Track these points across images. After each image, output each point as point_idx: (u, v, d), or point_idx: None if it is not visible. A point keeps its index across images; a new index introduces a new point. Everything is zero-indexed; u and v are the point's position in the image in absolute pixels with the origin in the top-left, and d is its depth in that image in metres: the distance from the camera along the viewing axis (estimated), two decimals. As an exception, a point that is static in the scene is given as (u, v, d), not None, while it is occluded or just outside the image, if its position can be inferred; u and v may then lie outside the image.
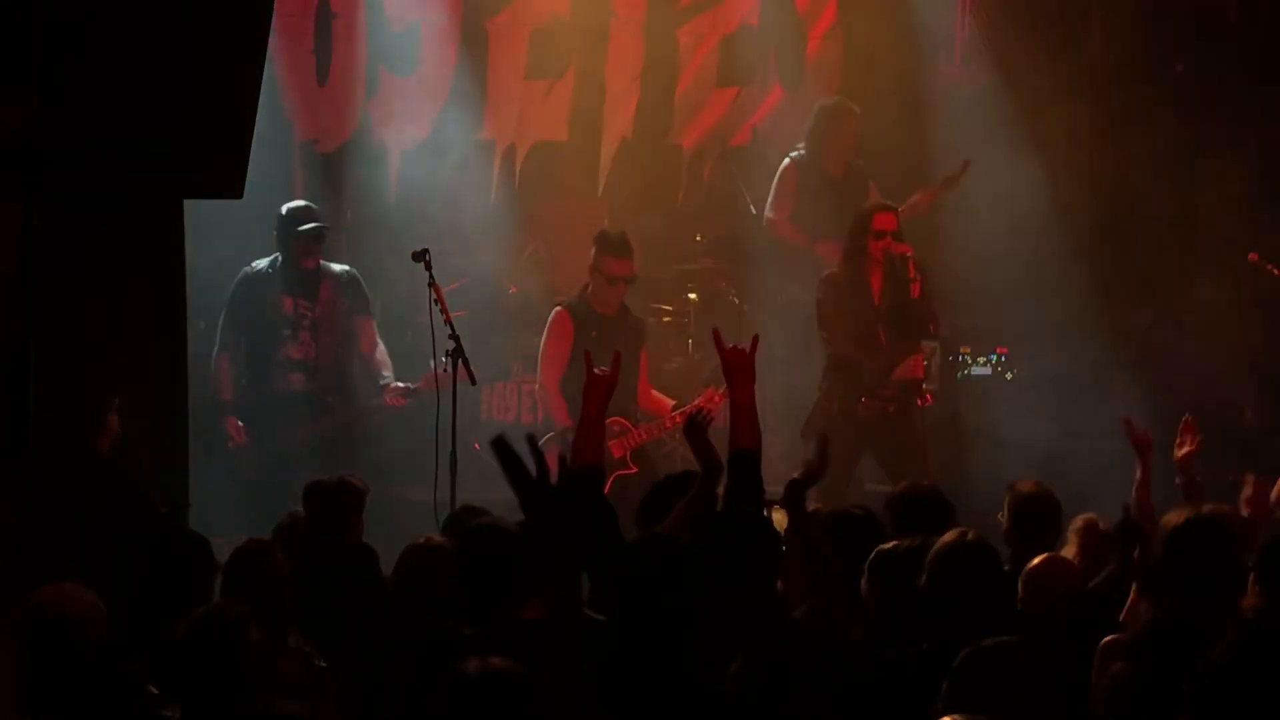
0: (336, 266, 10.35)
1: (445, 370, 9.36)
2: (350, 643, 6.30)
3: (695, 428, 6.36)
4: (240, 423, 10.03)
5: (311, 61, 12.21)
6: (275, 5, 8.47)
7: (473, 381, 9.57)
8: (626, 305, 10.48)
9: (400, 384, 10.19)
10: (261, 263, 10.20)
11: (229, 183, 8.19)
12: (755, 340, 6.40)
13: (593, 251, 10.41)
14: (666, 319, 12.39)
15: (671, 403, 10.48)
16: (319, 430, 10.11)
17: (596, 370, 6.25)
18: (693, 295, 12.52)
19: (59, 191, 7.62)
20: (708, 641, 4.95)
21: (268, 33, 8.22)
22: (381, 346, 10.33)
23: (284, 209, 10.25)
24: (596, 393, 6.20)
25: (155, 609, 5.89)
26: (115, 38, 7.61)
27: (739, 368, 6.31)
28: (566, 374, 10.18)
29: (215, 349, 10.20)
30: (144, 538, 6.37)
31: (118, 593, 5.86)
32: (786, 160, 11.65)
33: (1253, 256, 11.05)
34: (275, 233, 10.20)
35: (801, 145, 11.64)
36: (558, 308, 10.47)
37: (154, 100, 7.73)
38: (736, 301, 12.19)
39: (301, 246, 10.10)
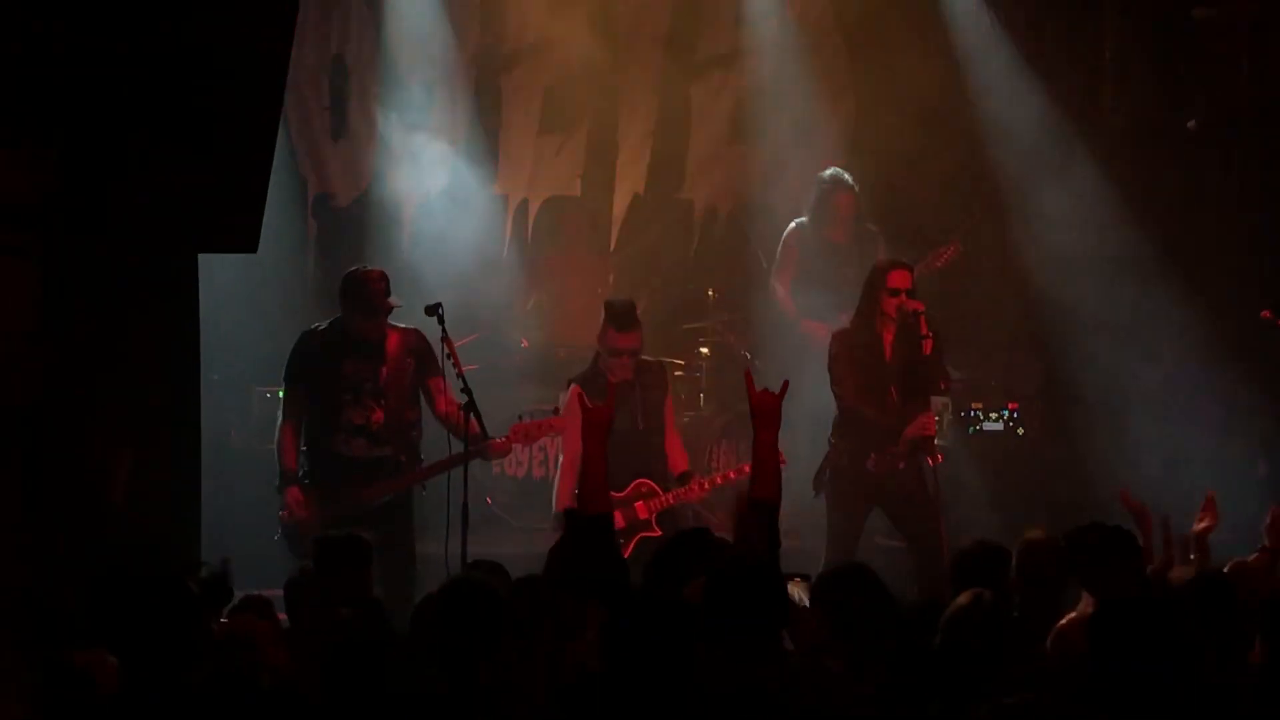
0: (401, 326, 9.82)
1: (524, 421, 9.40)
2: (361, 698, 6.28)
3: (746, 514, 6.24)
4: (301, 495, 9.51)
5: (326, 116, 12.27)
6: (290, 61, 8.52)
7: (485, 436, 9.55)
8: (644, 360, 10.31)
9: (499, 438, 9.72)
10: (321, 324, 9.75)
11: (244, 237, 8.19)
12: (785, 385, 6.36)
13: (601, 320, 10.27)
14: (678, 373, 12.40)
15: (685, 466, 10.29)
16: (385, 492, 9.62)
17: (591, 406, 6.18)
18: (704, 350, 12.54)
19: (75, 248, 7.66)
20: (710, 701, 4.93)
21: (283, 88, 8.24)
22: (462, 400, 9.51)
23: (349, 272, 9.75)
24: (595, 430, 6.14)
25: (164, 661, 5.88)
26: (132, 96, 7.65)
27: (765, 412, 6.27)
28: (583, 425, 10.07)
29: (280, 418, 9.72)
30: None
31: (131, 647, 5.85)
32: (790, 226, 11.67)
33: (1265, 314, 11.05)
34: (340, 295, 9.68)
35: (804, 214, 11.66)
36: (572, 384, 10.02)
37: (170, 156, 7.77)
38: (748, 356, 12.20)
39: (365, 312, 9.62)
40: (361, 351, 9.62)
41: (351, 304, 9.60)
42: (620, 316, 9.98)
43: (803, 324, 11.35)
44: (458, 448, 9.40)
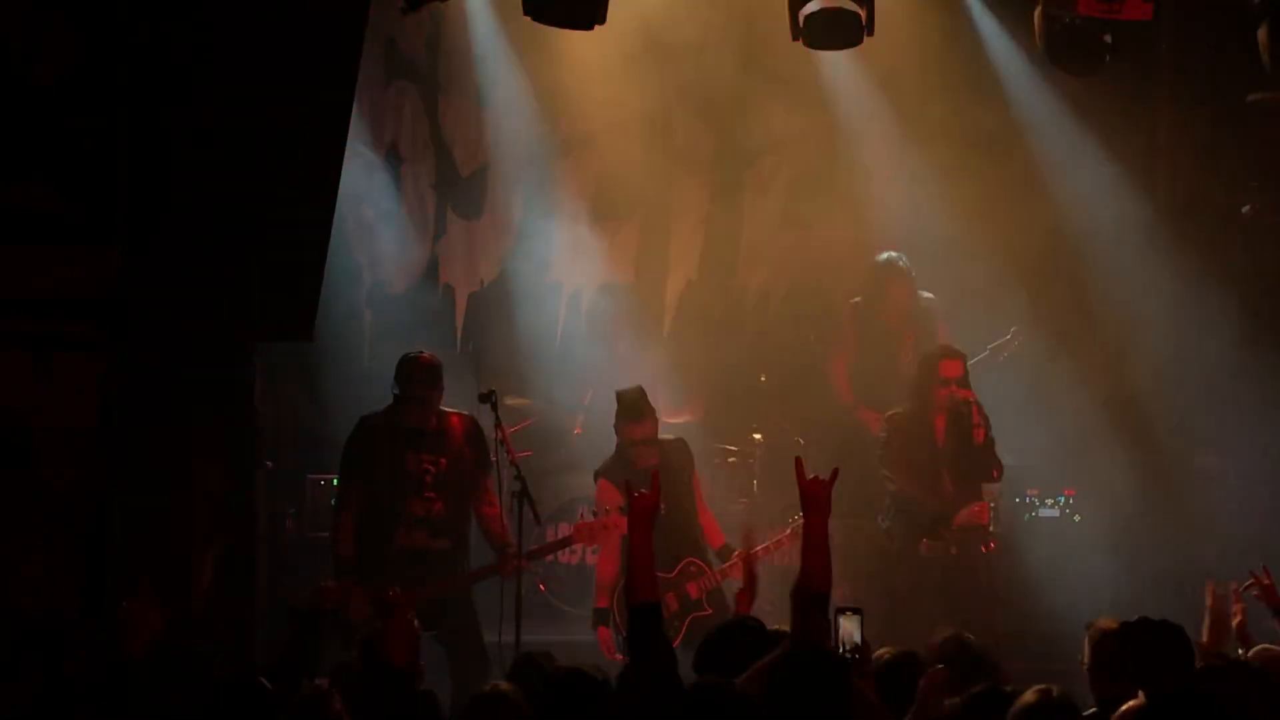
0: (458, 414, 9.80)
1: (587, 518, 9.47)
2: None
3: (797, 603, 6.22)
4: (357, 589, 9.25)
5: (380, 206, 12.36)
6: (345, 150, 8.60)
7: (537, 521, 9.54)
8: (663, 439, 10.25)
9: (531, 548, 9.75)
10: (378, 411, 9.70)
11: (300, 326, 8.27)
12: (835, 472, 6.34)
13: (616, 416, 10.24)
14: (731, 459, 12.37)
15: (724, 539, 10.32)
16: (437, 593, 9.51)
17: (636, 494, 6.17)
18: (757, 436, 12.50)
19: (137, 341, 7.74)
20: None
21: (338, 178, 8.33)
22: (499, 508, 9.59)
23: (402, 356, 9.74)
24: (641, 519, 6.12)
25: None
26: (191, 191, 7.75)
27: (816, 498, 6.25)
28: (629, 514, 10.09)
29: (336, 506, 9.71)
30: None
31: None
32: (846, 306, 11.69)
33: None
34: (394, 381, 9.66)
35: (860, 296, 11.66)
36: (599, 479, 10.20)
37: (227, 249, 7.85)
38: (801, 442, 12.17)
39: (409, 399, 9.58)
40: (424, 441, 9.59)
41: (399, 388, 9.59)
42: (630, 408, 10.06)
43: (860, 411, 11.31)
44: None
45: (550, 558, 11.65)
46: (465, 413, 9.82)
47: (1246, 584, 7.57)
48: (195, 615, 8.04)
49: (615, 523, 9.68)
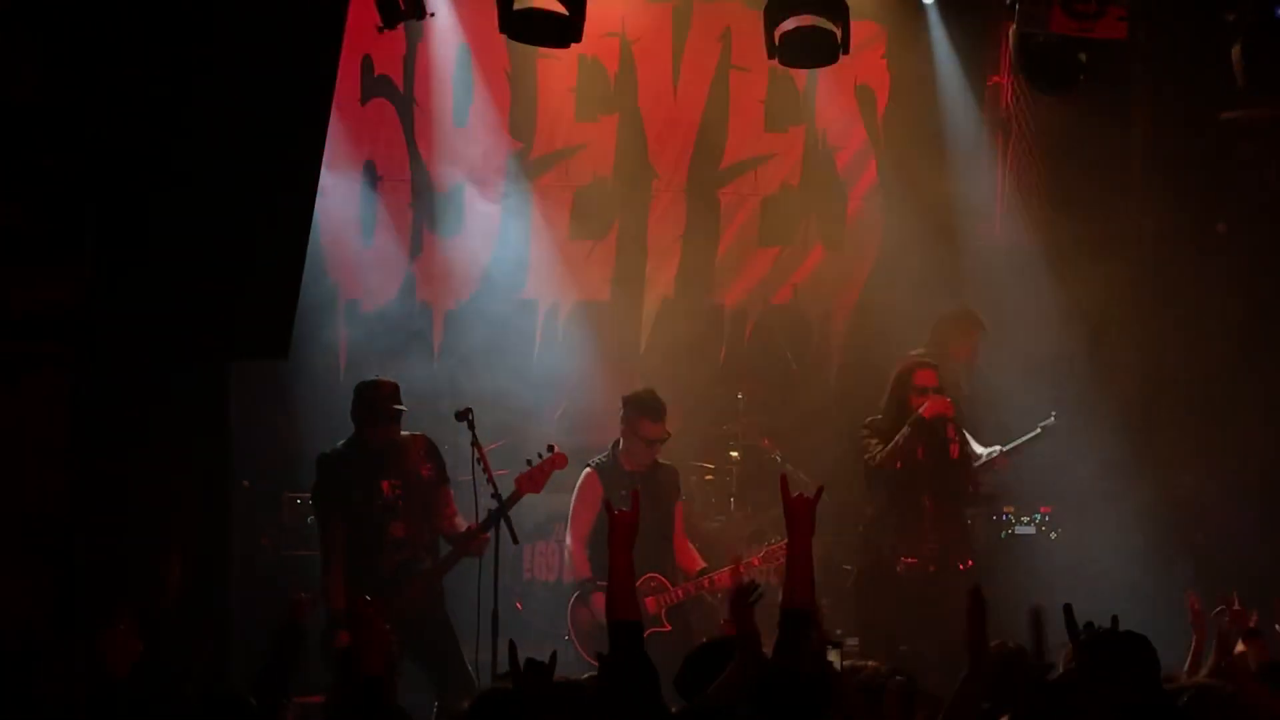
0: (411, 435, 9.93)
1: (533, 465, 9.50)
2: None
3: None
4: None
5: (357, 222, 12.34)
6: (321, 166, 8.58)
7: (515, 540, 9.54)
8: (658, 460, 10.49)
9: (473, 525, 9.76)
10: (338, 446, 9.77)
11: (275, 344, 8.23)
12: (820, 490, 6.34)
13: (625, 412, 10.43)
14: (709, 477, 12.38)
15: (701, 564, 10.44)
16: (421, 593, 9.67)
17: (616, 512, 6.18)
18: (734, 454, 12.51)
19: (108, 360, 7.70)
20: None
21: (314, 194, 8.31)
22: (492, 506, 9.73)
23: (361, 383, 9.85)
24: (621, 537, 6.11)
25: None
26: (164, 208, 7.71)
27: (800, 517, 6.23)
28: (593, 534, 10.22)
29: (324, 554, 9.67)
30: None
31: None
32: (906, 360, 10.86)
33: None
34: (357, 410, 9.76)
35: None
36: (587, 469, 10.52)
37: (201, 265, 7.82)
38: (779, 460, 12.17)
39: (376, 419, 9.67)
40: (392, 466, 9.68)
41: (363, 414, 9.67)
42: (654, 407, 10.35)
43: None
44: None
45: (528, 575, 11.67)
46: (418, 432, 9.94)
47: (1216, 610, 7.58)
48: (170, 628, 7.99)
49: (556, 460, 9.84)
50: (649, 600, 10.18)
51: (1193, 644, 7.27)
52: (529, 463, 9.84)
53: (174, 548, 7.83)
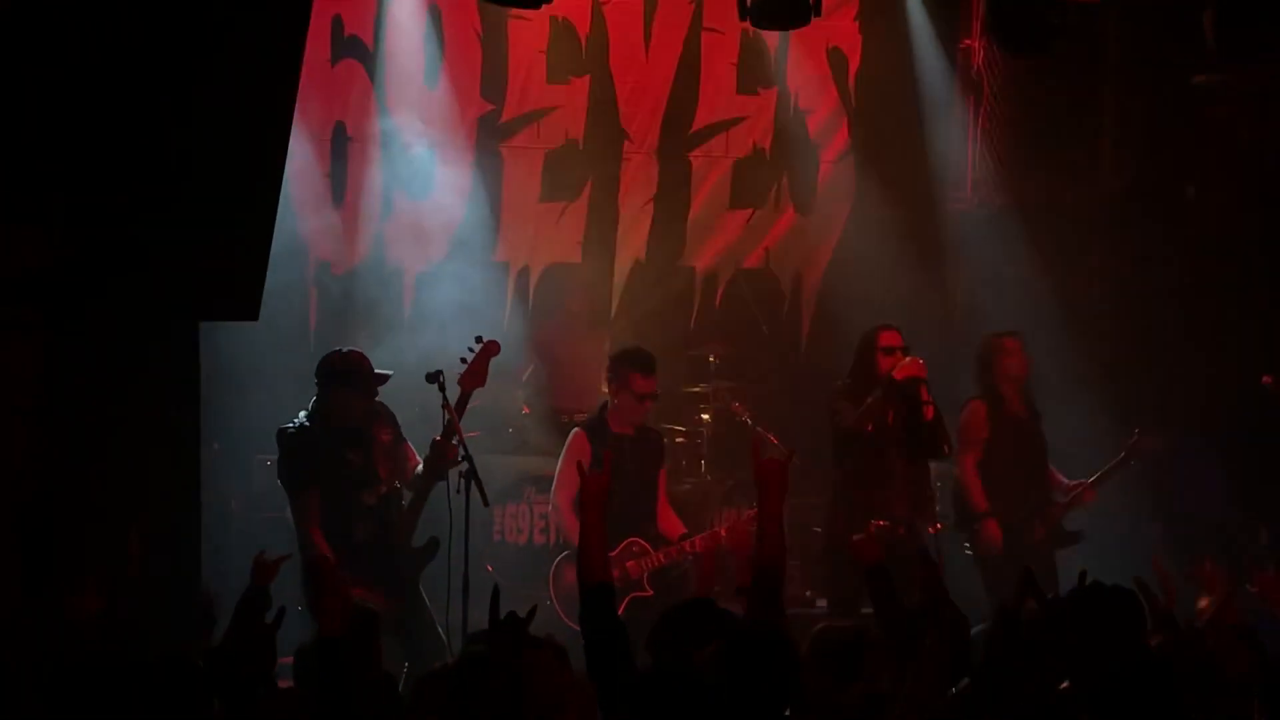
0: (366, 400, 9.77)
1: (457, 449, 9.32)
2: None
3: (752, 583, 6.19)
4: (361, 590, 9.05)
5: (327, 184, 12.29)
6: (291, 128, 8.53)
7: (485, 503, 9.53)
8: (646, 424, 10.48)
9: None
10: (302, 419, 9.60)
11: (245, 305, 8.19)
12: (791, 454, 6.36)
13: (614, 370, 10.38)
14: (679, 440, 12.39)
15: (683, 529, 10.44)
16: (407, 531, 9.62)
17: (589, 474, 6.17)
18: (705, 416, 12.53)
19: (77, 323, 7.66)
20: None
21: (284, 156, 8.26)
22: (463, 468, 9.47)
23: (336, 354, 9.73)
24: (594, 499, 6.13)
25: None
26: (133, 168, 7.67)
27: (771, 480, 6.24)
28: (580, 495, 10.16)
29: (302, 523, 9.45)
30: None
31: None
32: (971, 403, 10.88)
33: (1266, 379, 11.05)
34: (328, 377, 9.63)
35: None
36: (576, 429, 10.46)
37: (171, 225, 7.78)
38: (749, 423, 12.18)
39: (363, 391, 9.59)
40: (356, 435, 9.62)
41: (343, 382, 9.58)
42: (645, 361, 10.29)
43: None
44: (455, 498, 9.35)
45: (497, 536, 11.67)
46: (371, 398, 9.76)
47: (1187, 571, 7.62)
48: (136, 596, 7.95)
49: (489, 348, 9.68)
50: (630, 565, 10.17)
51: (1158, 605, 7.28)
52: (462, 360, 9.70)
53: (134, 522, 7.75)
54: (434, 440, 9.45)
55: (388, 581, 9.43)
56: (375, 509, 9.59)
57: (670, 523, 10.45)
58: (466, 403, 9.57)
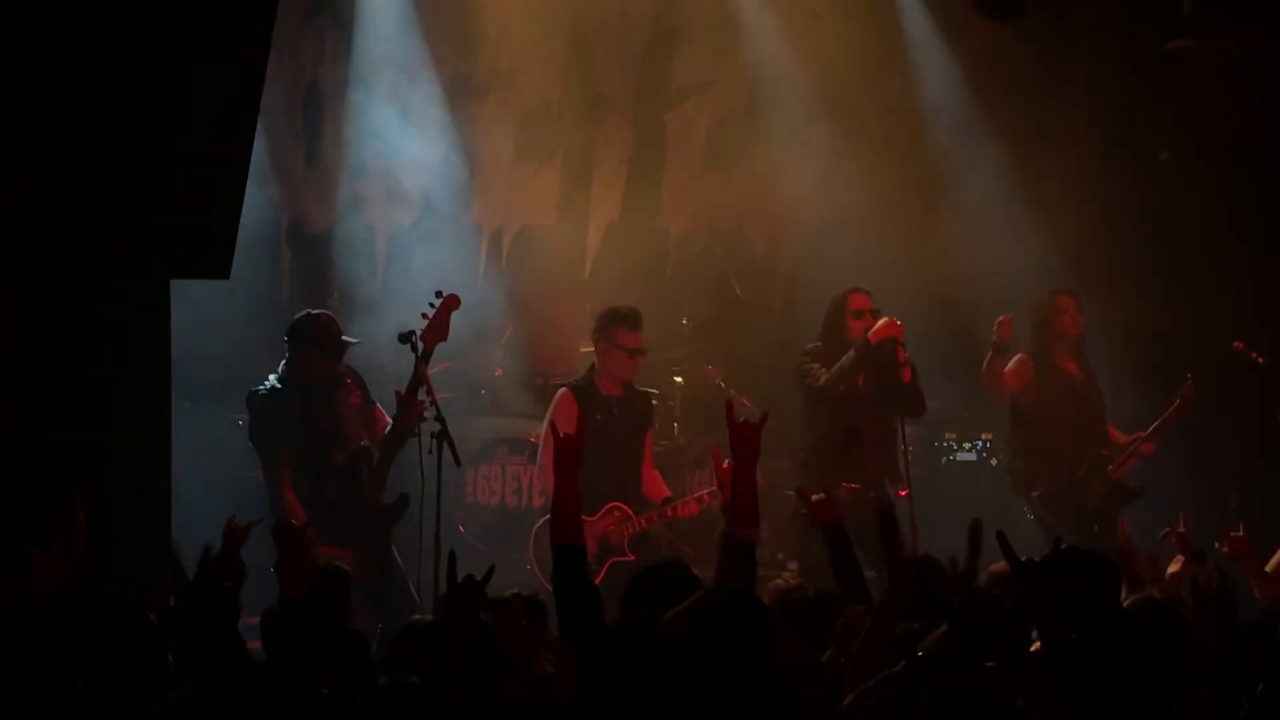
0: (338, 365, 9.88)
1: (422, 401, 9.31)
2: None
3: (724, 547, 6.20)
4: (332, 548, 9.17)
5: (299, 143, 12.24)
6: (264, 87, 8.50)
7: (458, 463, 9.51)
8: (633, 384, 10.40)
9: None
10: (274, 381, 9.63)
11: (216, 263, 8.15)
12: (764, 416, 6.33)
13: (601, 328, 10.28)
14: (653, 402, 12.37)
15: (667, 492, 10.39)
16: (376, 491, 9.64)
17: (561, 434, 6.16)
18: (678, 379, 12.53)
19: (45, 279, 7.61)
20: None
21: (256, 114, 8.22)
22: (435, 430, 9.43)
23: (307, 316, 9.76)
24: (566, 462, 6.11)
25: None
26: (104, 121, 7.62)
27: (745, 442, 6.23)
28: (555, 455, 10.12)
29: (274, 481, 9.53)
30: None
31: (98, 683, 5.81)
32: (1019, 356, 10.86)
33: (1238, 345, 11.09)
34: (297, 337, 9.67)
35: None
36: (563, 388, 10.29)
37: (142, 182, 7.73)
38: (722, 385, 12.18)
39: (330, 351, 9.65)
40: (326, 396, 9.64)
41: (312, 344, 9.60)
42: (630, 316, 10.21)
43: None
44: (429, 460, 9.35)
45: (470, 497, 11.66)
46: (339, 359, 9.78)
47: (1163, 533, 7.63)
48: (103, 556, 7.89)
49: (449, 302, 9.68)
50: (611, 530, 10.10)
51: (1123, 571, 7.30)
52: (424, 315, 9.69)
53: (77, 492, 7.62)
54: (398, 394, 9.45)
55: (358, 540, 9.44)
56: (345, 468, 9.61)
57: (655, 485, 10.37)
58: (429, 358, 9.56)
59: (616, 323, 10.20)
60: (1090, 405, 10.82)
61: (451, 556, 5.68)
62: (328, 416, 9.61)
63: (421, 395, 9.41)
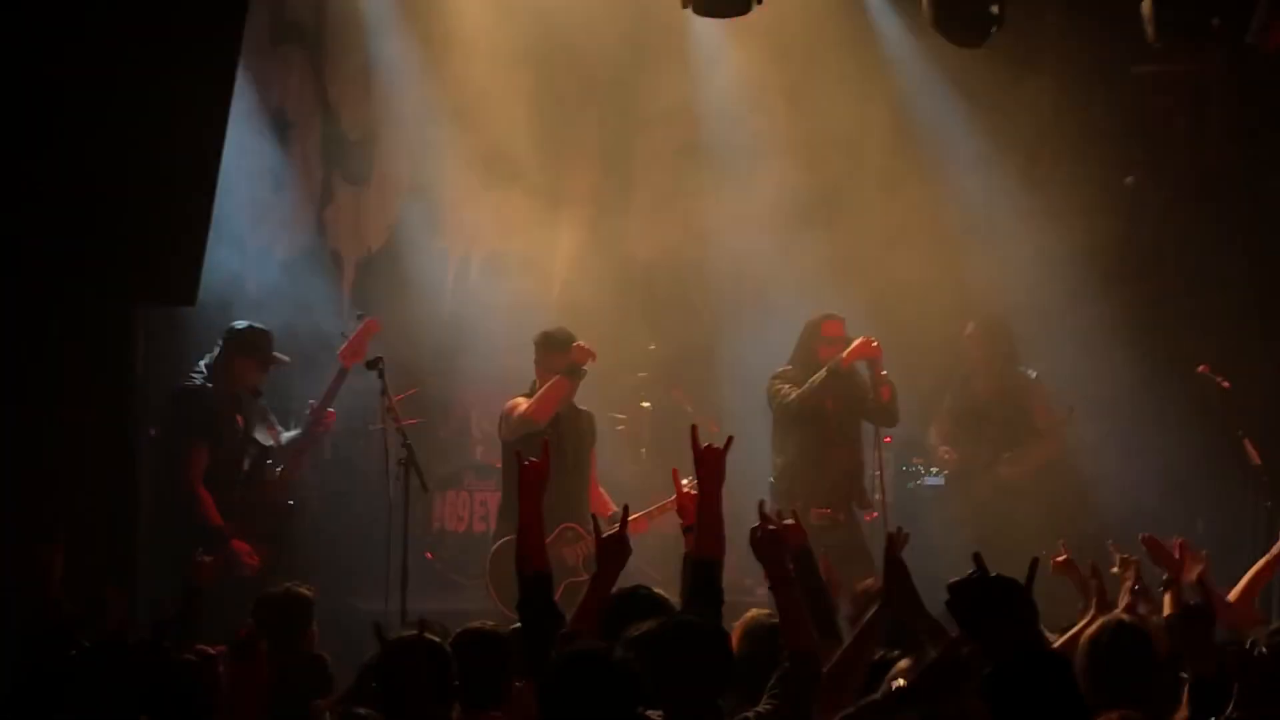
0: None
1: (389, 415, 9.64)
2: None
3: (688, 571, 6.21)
4: (248, 544, 9.75)
5: (267, 169, 12.21)
6: (231, 111, 8.49)
7: (425, 489, 9.51)
8: (576, 404, 10.46)
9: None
10: (199, 379, 9.92)
11: (182, 290, 8.18)
12: (729, 441, 6.35)
13: (537, 351, 10.42)
14: (620, 427, 12.39)
15: (614, 508, 10.40)
16: (281, 484, 10.13)
17: (527, 462, 6.17)
18: (646, 404, 12.54)
19: (12, 305, 7.61)
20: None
21: (223, 140, 8.23)
22: (401, 455, 9.80)
23: (250, 327, 10.07)
24: (532, 488, 6.13)
25: None
26: (71, 145, 7.62)
27: (710, 466, 6.24)
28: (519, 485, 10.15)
29: (186, 476, 9.73)
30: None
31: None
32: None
33: (1202, 369, 11.12)
34: (233, 346, 9.94)
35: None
36: (517, 398, 10.43)
37: (109, 207, 7.73)
38: (690, 410, 12.19)
39: (263, 365, 10.00)
40: (244, 401, 9.99)
41: (249, 356, 9.92)
42: (560, 339, 10.41)
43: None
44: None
45: (437, 524, 11.64)
46: (264, 373, 10.15)
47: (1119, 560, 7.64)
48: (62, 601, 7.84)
49: (369, 327, 10.14)
50: (566, 551, 10.14)
51: (1092, 600, 7.32)
52: (343, 335, 9.93)
53: (56, 536, 7.54)
54: (310, 404, 9.94)
55: (260, 535, 9.80)
56: (252, 469, 9.96)
57: (601, 502, 10.43)
58: (343, 379, 9.79)
59: (551, 347, 10.23)
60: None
61: (376, 630, 5.62)
62: (244, 420, 9.94)
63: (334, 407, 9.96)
